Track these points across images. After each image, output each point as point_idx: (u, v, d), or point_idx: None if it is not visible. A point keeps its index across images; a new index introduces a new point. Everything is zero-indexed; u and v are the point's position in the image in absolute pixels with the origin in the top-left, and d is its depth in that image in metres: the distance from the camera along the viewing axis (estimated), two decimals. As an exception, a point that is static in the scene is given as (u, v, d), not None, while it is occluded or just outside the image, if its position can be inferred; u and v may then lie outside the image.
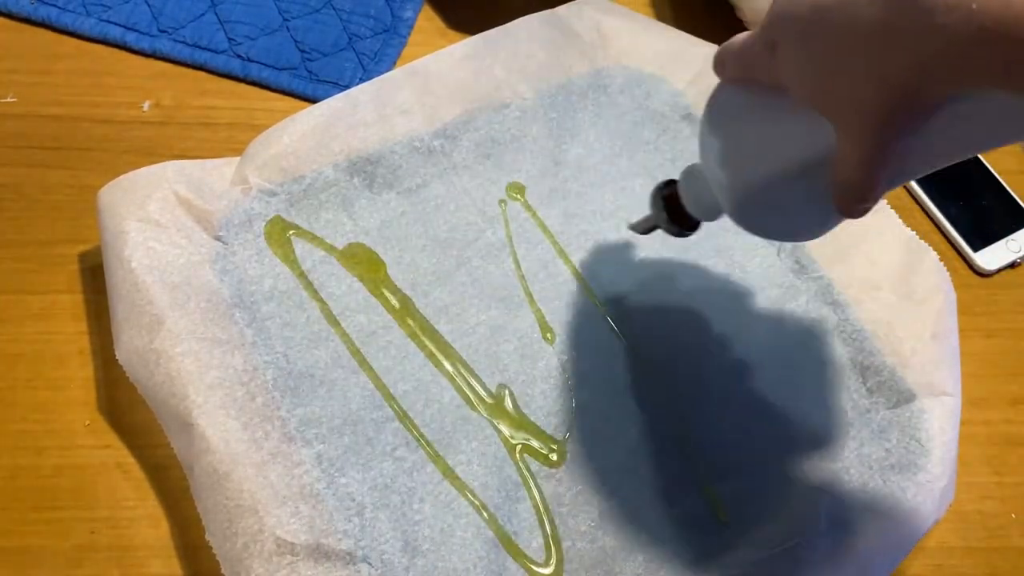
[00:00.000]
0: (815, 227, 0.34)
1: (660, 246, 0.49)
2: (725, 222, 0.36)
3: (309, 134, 0.46)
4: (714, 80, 0.53)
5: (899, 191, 0.54)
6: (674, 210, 0.39)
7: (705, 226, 0.40)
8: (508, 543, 0.39)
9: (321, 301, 0.43)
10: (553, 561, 0.39)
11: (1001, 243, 0.52)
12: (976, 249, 0.52)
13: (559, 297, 0.46)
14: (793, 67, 0.28)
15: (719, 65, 0.34)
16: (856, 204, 0.29)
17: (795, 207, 0.33)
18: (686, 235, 0.40)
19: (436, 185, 0.48)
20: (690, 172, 0.38)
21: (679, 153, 0.52)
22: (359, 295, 0.44)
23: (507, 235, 0.48)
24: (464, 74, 0.50)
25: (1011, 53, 0.22)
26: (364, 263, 0.45)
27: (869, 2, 0.24)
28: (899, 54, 0.24)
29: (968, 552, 0.44)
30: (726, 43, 0.33)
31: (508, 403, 0.43)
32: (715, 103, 0.35)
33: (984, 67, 0.23)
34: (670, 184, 0.40)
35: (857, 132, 0.27)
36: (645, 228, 0.43)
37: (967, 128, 0.27)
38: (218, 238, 0.43)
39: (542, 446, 0.42)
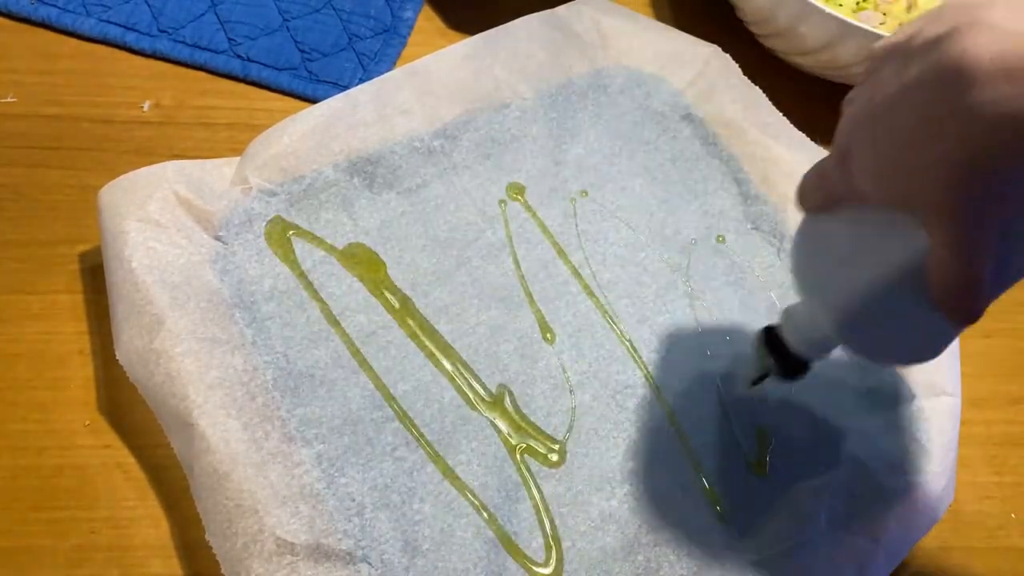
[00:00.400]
0: (932, 341, 0.32)
1: (660, 246, 0.49)
2: None
3: (309, 134, 0.46)
4: (713, 79, 0.53)
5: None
6: (780, 353, 0.37)
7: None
8: (508, 543, 0.39)
9: (321, 301, 0.43)
10: (553, 561, 0.39)
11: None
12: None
13: (559, 297, 0.46)
14: (868, 171, 0.28)
15: (801, 198, 0.33)
16: (963, 304, 0.27)
17: (904, 320, 0.31)
18: (797, 378, 0.38)
19: (436, 185, 0.48)
20: (789, 311, 0.37)
21: (679, 153, 0.52)
22: (359, 295, 0.44)
23: (507, 235, 0.48)
24: (464, 74, 0.50)
25: None
26: (364, 263, 0.45)
27: (923, 86, 0.24)
28: (960, 128, 0.23)
29: (968, 552, 0.44)
30: (804, 175, 0.33)
31: (508, 403, 0.43)
32: (802, 234, 0.34)
33: None
34: (770, 329, 0.38)
35: (939, 218, 0.26)
36: (755, 379, 0.40)
37: None
38: (218, 238, 0.43)
39: (542, 446, 0.42)
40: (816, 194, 0.32)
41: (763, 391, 0.41)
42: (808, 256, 0.34)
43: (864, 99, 0.27)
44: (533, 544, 0.39)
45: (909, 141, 0.25)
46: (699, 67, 0.54)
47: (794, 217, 0.49)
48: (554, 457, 0.42)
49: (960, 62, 0.23)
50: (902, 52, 0.26)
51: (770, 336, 0.38)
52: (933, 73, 0.23)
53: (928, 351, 0.33)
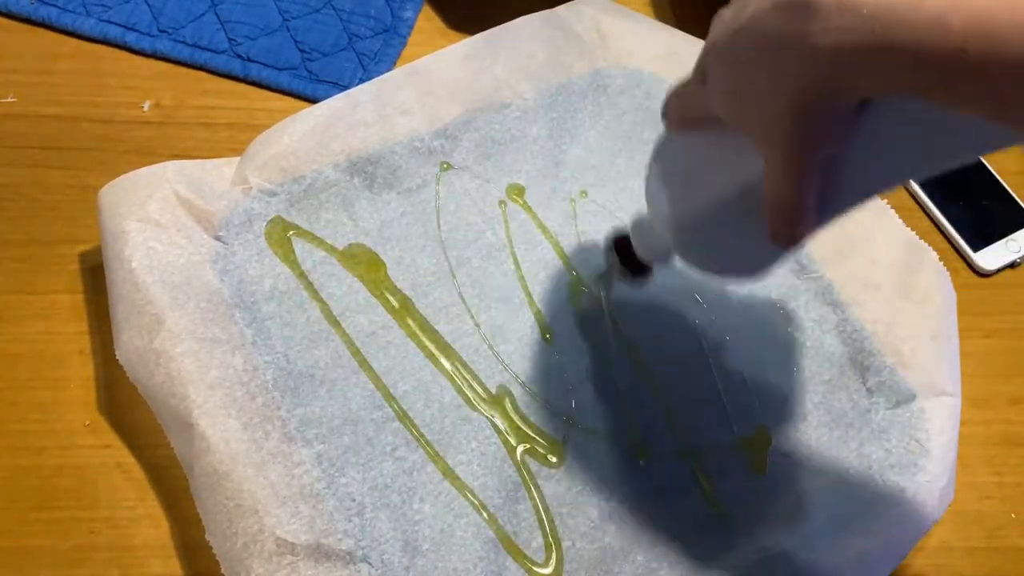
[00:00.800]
0: (758, 262, 0.33)
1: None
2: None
3: (309, 134, 0.46)
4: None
5: (899, 191, 0.54)
6: (626, 257, 0.41)
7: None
8: (508, 543, 0.39)
9: (321, 301, 0.43)
10: (553, 561, 0.39)
11: (1001, 243, 0.52)
12: (976, 249, 0.52)
13: (559, 298, 0.46)
14: (717, 91, 0.29)
15: (666, 115, 0.34)
16: (789, 228, 0.28)
17: (736, 240, 0.33)
18: (638, 280, 0.42)
19: (436, 186, 0.48)
20: (637, 219, 0.40)
21: (679, 153, 0.52)
22: (359, 295, 0.44)
23: (507, 236, 0.48)
24: (464, 74, 0.50)
25: (904, 57, 0.22)
26: (364, 263, 0.45)
27: (770, 13, 0.25)
28: (797, 60, 0.24)
29: (968, 552, 0.44)
30: (668, 90, 0.34)
31: (508, 403, 0.43)
32: (658, 148, 0.36)
33: (881, 71, 0.23)
34: (620, 235, 0.41)
35: (772, 144, 0.27)
36: (600, 276, 0.46)
37: (897, 143, 0.26)
38: (218, 238, 0.43)
39: (542, 446, 0.42)
40: (676, 110, 0.33)
41: (609, 287, 0.46)
42: (658, 168, 0.35)
43: (725, 21, 0.28)
44: (533, 544, 0.39)
45: (752, 68, 0.26)
46: (699, 67, 0.53)
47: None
48: (554, 458, 0.42)
49: None
50: None
51: (618, 240, 0.41)
52: (783, 2, 0.25)
53: (754, 269, 0.34)
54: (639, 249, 0.40)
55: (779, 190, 0.28)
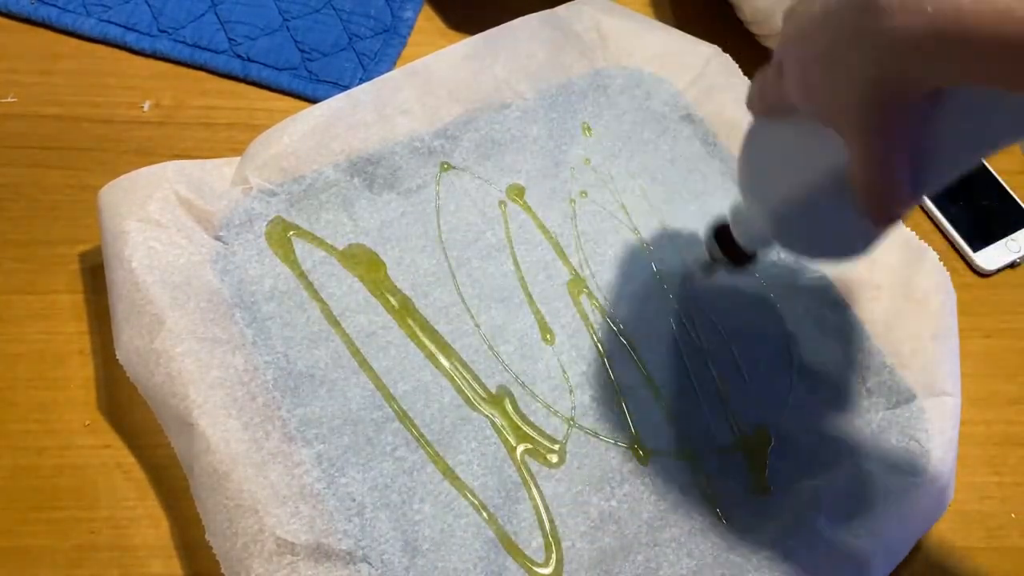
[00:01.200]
0: (857, 240, 0.34)
1: (660, 248, 0.49)
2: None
3: (309, 134, 0.46)
4: (713, 79, 0.53)
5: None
6: (727, 245, 0.41)
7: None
8: (508, 543, 0.39)
9: (321, 301, 0.43)
10: (553, 561, 0.39)
11: (1001, 243, 0.52)
12: (976, 249, 0.52)
13: (559, 298, 0.46)
14: (795, 83, 0.30)
15: (750, 102, 0.35)
16: (881, 208, 0.29)
17: (832, 223, 0.33)
18: (743, 267, 0.42)
19: (436, 186, 0.48)
20: (736, 207, 0.40)
21: (679, 154, 0.52)
22: (359, 295, 0.44)
23: (507, 236, 0.48)
24: (465, 74, 0.50)
25: (968, 52, 0.23)
26: (364, 263, 0.45)
27: (841, 8, 0.26)
28: (866, 53, 0.26)
29: (968, 552, 0.44)
30: (753, 79, 0.35)
31: (508, 404, 0.43)
32: (748, 139, 0.36)
33: (947, 64, 0.24)
34: (720, 225, 0.42)
35: (853, 132, 0.28)
36: (705, 268, 0.45)
37: (974, 123, 0.28)
38: (218, 238, 0.43)
39: (542, 446, 0.42)
40: (758, 98, 0.34)
41: (714, 278, 0.46)
42: (750, 159, 0.36)
43: (797, 16, 0.29)
44: (533, 544, 0.39)
45: (827, 60, 0.27)
46: (699, 67, 0.54)
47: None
48: (554, 458, 0.42)
49: None
50: None
51: (719, 231, 0.42)
52: (845, 2, 0.26)
53: (854, 250, 0.35)
54: (740, 238, 0.40)
55: (865, 174, 0.28)
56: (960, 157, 0.29)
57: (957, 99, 0.27)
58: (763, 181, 0.35)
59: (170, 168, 0.43)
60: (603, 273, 0.47)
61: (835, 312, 0.47)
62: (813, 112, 0.30)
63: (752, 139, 0.36)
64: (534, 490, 0.41)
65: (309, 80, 0.54)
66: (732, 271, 0.43)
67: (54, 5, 0.53)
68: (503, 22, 0.52)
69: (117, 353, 0.40)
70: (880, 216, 0.30)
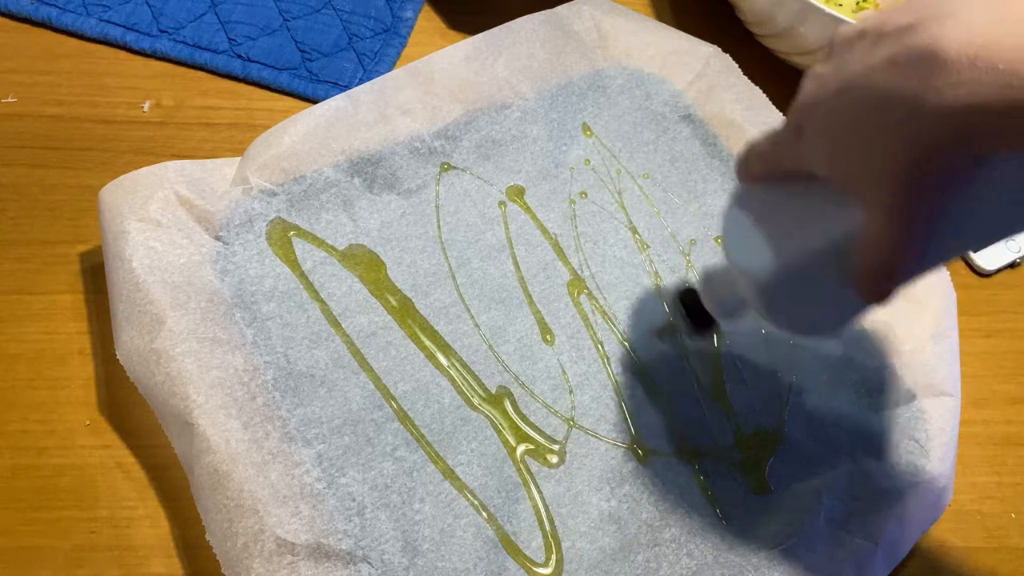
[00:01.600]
0: (840, 318, 0.33)
1: (660, 248, 0.49)
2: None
3: (310, 134, 0.46)
4: (713, 79, 0.53)
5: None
6: (693, 311, 0.40)
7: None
8: (508, 543, 0.39)
9: (321, 302, 0.43)
10: (553, 561, 0.39)
11: (1001, 243, 0.52)
12: (976, 249, 0.52)
13: (558, 299, 0.46)
14: (819, 147, 0.28)
15: (742, 165, 0.34)
16: (882, 286, 0.28)
17: (819, 297, 0.32)
18: (703, 335, 0.42)
19: (436, 186, 0.48)
20: (709, 273, 0.39)
21: (679, 154, 0.52)
22: (359, 296, 0.44)
23: (507, 237, 0.48)
24: (466, 74, 0.50)
25: None
26: (364, 264, 0.45)
27: (891, 70, 0.24)
28: (917, 118, 0.23)
29: (968, 552, 0.44)
30: (748, 144, 0.33)
31: (508, 404, 0.43)
32: (737, 201, 0.34)
33: (1016, 128, 0.22)
34: (688, 289, 0.41)
35: (879, 203, 0.26)
36: (664, 332, 0.45)
37: (1007, 196, 0.26)
38: (219, 238, 0.43)
39: (542, 447, 0.42)
40: (759, 162, 0.33)
41: (666, 342, 0.46)
42: (739, 225, 0.34)
43: (825, 78, 0.27)
44: (533, 544, 0.39)
45: (862, 126, 0.26)
46: (699, 67, 0.54)
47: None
48: (554, 458, 0.42)
49: (929, 48, 0.23)
50: (872, 36, 0.26)
51: (685, 294, 0.41)
52: (902, 57, 0.24)
53: (834, 327, 0.34)
54: (709, 304, 0.39)
55: (880, 247, 0.27)
56: (980, 235, 0.28)
57: (996, 169, 0.25)
58: (752, 250, 0.33)
59: (171, 168, 0.43)
60: (603, 274, 0.47)
61: (835, 312, 0.47)
62: (835, 178, 0.28)
63: (742, 202, 0.34)
64: (534, 490, 0.41)
65: (309, 80, 0.54)
66: (691, 337, 0.43)
67: (54, 5, 0.53)
68: (503, 22, 0.52)
69: (117, 353, 0.40)
70: (879, 295, 0.28)
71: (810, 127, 0.28)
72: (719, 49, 0.54)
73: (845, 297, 0.30)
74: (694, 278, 0.40)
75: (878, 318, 0.46)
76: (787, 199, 0.32)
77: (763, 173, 0.33)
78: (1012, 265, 0.52)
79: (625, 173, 0.51)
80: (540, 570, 0.39)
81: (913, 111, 0.24)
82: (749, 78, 0.53)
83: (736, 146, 0.51)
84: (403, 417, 0.41)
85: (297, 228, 0.45)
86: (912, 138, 0.24)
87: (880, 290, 0.28)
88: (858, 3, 0.57)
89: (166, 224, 0.42)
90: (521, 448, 0.42)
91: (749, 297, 0.34)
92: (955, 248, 0.29)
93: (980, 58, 0.22)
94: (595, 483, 0.41)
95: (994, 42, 0.22)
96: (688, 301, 0.40)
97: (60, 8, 0.53)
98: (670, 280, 0.48)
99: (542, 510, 0.40)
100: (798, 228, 0.31)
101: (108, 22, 0.53)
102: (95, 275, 0.45)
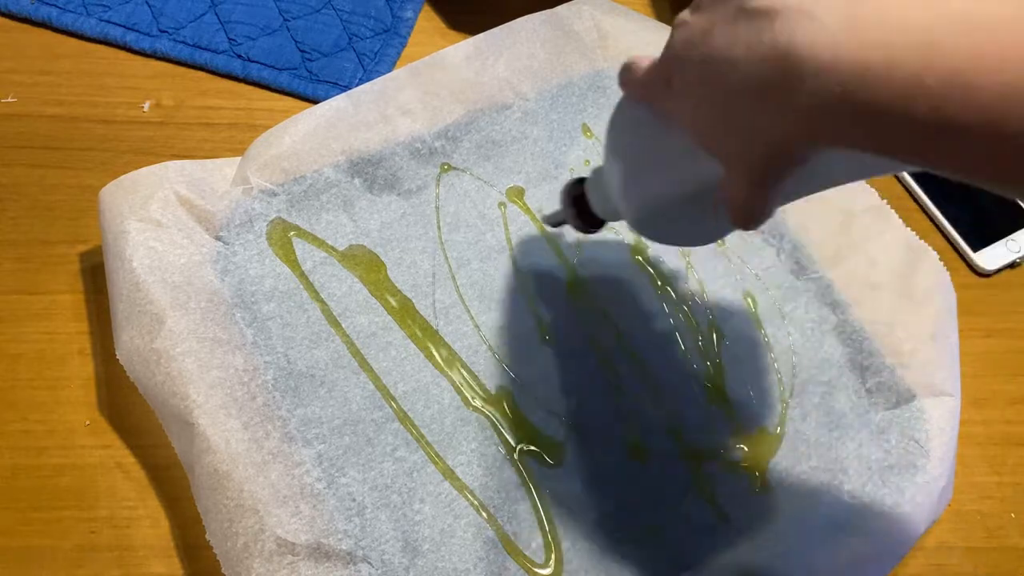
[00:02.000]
0: (712, 235, 0.35)
1: (659, 248, 0.49)
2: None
3: (310, 134, 0.46)
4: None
5: (900, 191, 0.54)
6: (582, 208, 0.40)
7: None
8: (508, 543, 0.39)
9: (322, 302, 0.43)
10: (553, 561, 0.39)
11: (1001, 243, 0.52)
12: (976, 249, 0.52)
13: (558, 299, 0.46)
14: (685, 107, 0.29)
15: (623, 80, 0.34)
16: (747, 223, 0.30)
17: (688, 221, 0.34)
18: (591, 232, 0.41)
19: (436, 188, 0.48)
20: (597, 176, 0.39)
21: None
22: (359, 296, 0.44)
23: (506, 237, 0.48)
24: (467, 74, 0.50)
25: (882, 120, 0.22)
26: (364, 264, 0.45)
27: (750, 59, 0.25)
28: (777, 110, 0.25)
29: (968, 552, 0.44)
30: (631, 59, 0.33)
31: (507, 404, 0.43)
32: (618, 116, 0.35)
33: (858, 130, 0.23)
34: (580, 183, 0.40)
35: (739, 175, 0.28)
36: (555, 222, 0.44)
37: (839, 167, 0.29)
38: (219, 238, 0.43)
39: (542, 447, 0.42)
40: (636, 86, 0.33)
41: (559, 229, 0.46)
42: (618, 142, 0.35)
43: (693, 35, 0.28)
44: (533, 544, 0.39)
45: (727, 102, 0.27)
46: (699, 67, 0.53)
47: (794, 219, 0.50)
48: (554, 458, 0.42)
49: (785, 49, 0.24)
50: (732, 7, 0.26)
51: (576, 191, 0.40)
52: (762, 49, 0.24)
53: (706, 240, 0.36)
54: (596, 208, 0.39)
55: (739, 199, 0.28)
56: (819, 187, 0.31)
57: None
58: (629, 168, 0.34)
59: (171, 168, 0.43)
60: (602, 275, 0.47)
61: (835, 312, 0.47)
62: (699, 136, 0.29)
63: (622, 119, 0.34)
64: (534, 490, 0.41)
65: (309, 80, 0.54)
66: (580, 231, 0.41)
67: (54, 5, 0.53)
68: (503, 22, 0.52)
69: (117, 353, 0.40)
70: (745, 226, 0.30)
71: (677, 82, 0.29)
72: (719, 49, 0.54)
73: (710, 221, 0.32)
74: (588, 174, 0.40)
75: (878, 318, 0.46)
76: (659, 132, 0.32)
77: (639, 97, 0.33)
78: (1012, 265, 0.52)
79: (625, 173, 0.51)
80: (540, 570, 0.39)
81: (769, 104, 0.25)
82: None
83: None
84: (403, 417, 0.41)
85: (297, 228, 0.45)
86: (768, 128, 0.25)
87: (748, 225, 0.30)
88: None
89: (166, 224, 0.42)
90: (521, 448, 0.42)
91: (622, 211, 0.35)
92: (801, 193, 0.31)
93: (831, 66, 0.23)
94: (595, 483, 0.41)
95: (844, 49, 0.22)
96: (578, 198, 0.40)
97: (60, 8, 0.53)
98: (662, 270, 0.48)
99: (542, 510, 0.40)
100: (668, 162, 0.32)
101: (108, 22, 0.53)
102: (95, 275, 0.45)
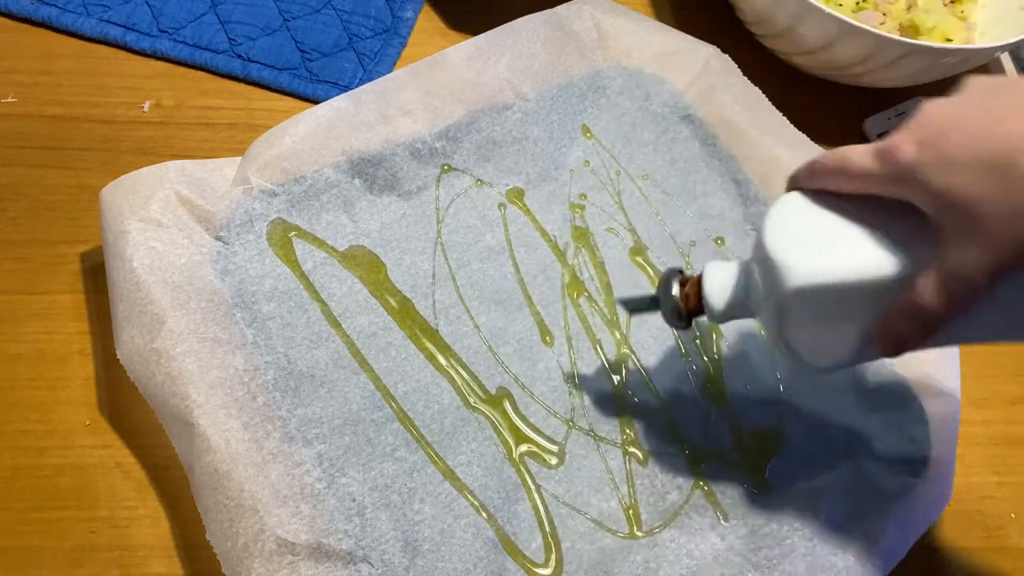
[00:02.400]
0: (846, 357, 0.33)
1: (659, 249, 0.49)
2: None
3: (311, 135, 0.46)
4: (713, 79, 0.53)
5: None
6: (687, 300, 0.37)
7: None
8: (508, 544, 0.39)
9: (322, 302, 0.43)
10: (552, 561, 0.39)
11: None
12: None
13: (558, 300, 0.46)
14: (936, 175, 0.29)
15: (806, 175, 0.33)
16: (904, 342, 0.30)
17: (837, 327, 0.32)
18: (683, 328, 0.38)
19: (436, 188, 0.48)
20: (716, 268, 0.36)
21: (678, 155, 0.52)
22: (360, 296, 0.44)
23: (506, 238, 0.48)
24: (468, 74, 0.50)
25: None
26: (365, 265, 0.45)
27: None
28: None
29: (968, 552, 0.44)
30: (828, 156, 0.33)
31: (508, 404, 0.43)
32: (784, 211, 0.33)
33: None
34: (680, 272, 0.38)
35: (975, 247, 0.28)
36: (638, 308, 0.41)
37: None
38: (219, 238, 0.43)
39: (542, 447, 0.42)
40: (836, 180, 0.32)
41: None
42: (780, 231, 0.33)
43: (953, 119, 0.28)
44: (533, 545, 0.39)
45: (989, 189, 0.27)
46: (699, 67, 0.54)
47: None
48: (553, 459, 0.42)
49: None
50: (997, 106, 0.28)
51: (680, 286, 0.37)
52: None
53: (835, 362, 0.34)
54: (715, 303, 0.36)
55: (922, 306, 0.29)
56: (986, 334, 0.31)
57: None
58: (801, 246, 0.32)
59: (171, 168, 0.43)
60: (602, 275, 0.47)
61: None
62: (945, 207, 0.28)
63: (788, 213, 0.33)
64: (534, 491, 0.41)
65: (309, 80, 0.54)
66: (673, 326, 0.39)
67: (54, 5, 0.53)
68: (503, 22, 0.52)
69: (117, 353, 0.40)
70: (892, 348, 0.30)
71: (930, 157, 0.29)
72: (719, 49, 0.54)
73: (858, 337, 0.31)
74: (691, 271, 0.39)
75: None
76: (846, 218, 0.31)
77: (825, 187, 0.33)
78: (1012, 265, 0.52)
79: (624, 174, 0.51)
80: (540, 571, 0.39)
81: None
82: (749, 78, 0.53)
83: (736, 146, 0.51)
84: (403, 417, 0.41)
85: (298, 228, 0.45)
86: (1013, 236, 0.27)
87: (898, 344, 0.30)
88: (858, 3, 0.57)
89: (167, 224, 0.42)
90: (521, 449, 0.42)
91: (767, 304, 0.33)
92: (964, 337, 0.32)
93: None
94: (595, 483, 0.41)
95: None
96: (688, 290, 0.37)
97: (60, 8, 0.53)
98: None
99: (542, 511, 0.40)
100: (854, 241, 0.31)
101: (108, 22, 0.53)
102: (95, 275, 0.45)
